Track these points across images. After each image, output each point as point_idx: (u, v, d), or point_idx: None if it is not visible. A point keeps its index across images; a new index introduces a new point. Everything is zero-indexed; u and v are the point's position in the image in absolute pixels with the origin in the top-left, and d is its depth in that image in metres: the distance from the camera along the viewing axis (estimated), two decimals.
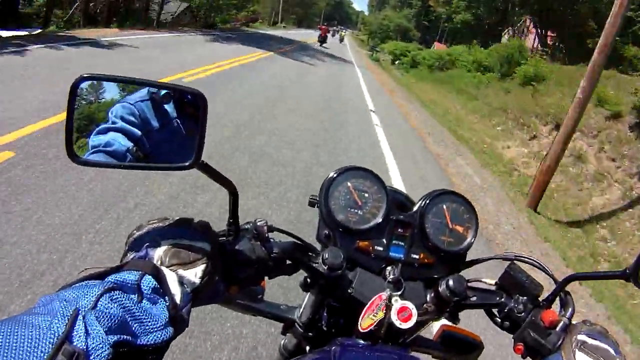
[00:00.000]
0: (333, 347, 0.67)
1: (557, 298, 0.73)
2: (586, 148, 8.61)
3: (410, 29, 48.18)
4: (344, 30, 51.67)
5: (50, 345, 0.36)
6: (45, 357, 0.35)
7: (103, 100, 0.57)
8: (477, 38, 29.97)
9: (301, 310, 0.83)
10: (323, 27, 32.38)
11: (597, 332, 0.67)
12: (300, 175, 4.51)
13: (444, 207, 0.81)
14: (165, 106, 0.61)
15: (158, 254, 0.57)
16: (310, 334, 0.81)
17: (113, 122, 0.57)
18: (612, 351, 0.63)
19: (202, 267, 0.58)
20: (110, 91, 0.58)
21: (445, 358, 0.86)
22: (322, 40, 29.04)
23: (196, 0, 23.23)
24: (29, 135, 3.87)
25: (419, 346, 0.82)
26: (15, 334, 0.35)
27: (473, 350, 0.84)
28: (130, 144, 0.58)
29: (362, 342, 0.70)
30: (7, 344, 0.34)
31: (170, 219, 0.63)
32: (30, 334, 0.36)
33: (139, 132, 0.59)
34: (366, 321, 0.67)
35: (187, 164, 0.56)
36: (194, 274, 0.57)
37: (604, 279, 0.72)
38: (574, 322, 0.70)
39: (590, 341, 0.65)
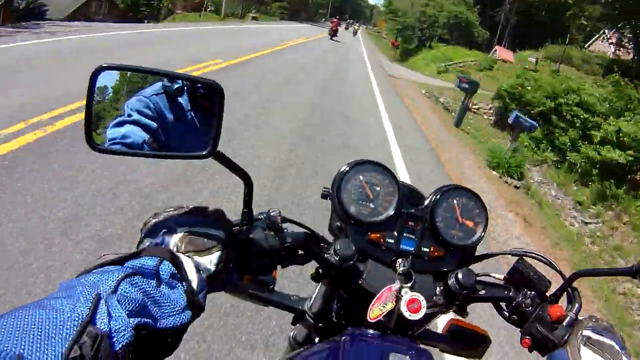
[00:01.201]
0: (343, 337, 0.68)
1: (565, 294, 0.74)
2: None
3: (474, 25, 30.95)
4: (357, 24, 49.63)
5: (75, 328, 0.37)
6: (69, 338, 0.36)
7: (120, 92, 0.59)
8: (548, 40, 25.01)
9: (312, 301, 0.84)
10: (334, 20, 30.24)
11: (602, 327, 0.67)
12: None
13: (454, 201, 0.81)
14: (179, 99, 0.63)
15: (174, 240, 0.58)
16: (320, 324, 0.82)
17: (129, 115, 0.59)
18: (616, 347, 0.64)
19: (217, 254, 0.60)
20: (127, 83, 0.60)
21: (453, 351, 0.87)
22: (333, 33, 28.11)
23: None
24: None
25: (427, 339, 0.83)
26: (41, 316, 0.36)
27: (480, 345, 0.85)
28: (146, 136, 0.59)
29: (371, 331, 0.71)
30: (33, 327, 0.35)
31: (186, 207, 0.64)
32: (55, 317, 0.37)
33: (154, 125, 0.60)
34: (375, 311, 0.68)
35: (204, 153, 0.58)
36: (209, 261, 0.59)
37: (610, 275, 0.73)
38: (580, 317, 0.70)
39: (595, 336, 0.65)
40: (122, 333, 0.40)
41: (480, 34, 31.13)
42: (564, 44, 24.16)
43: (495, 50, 25.35)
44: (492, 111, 14.34)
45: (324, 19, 71.00)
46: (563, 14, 25.95)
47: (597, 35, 28.46)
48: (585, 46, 28.02)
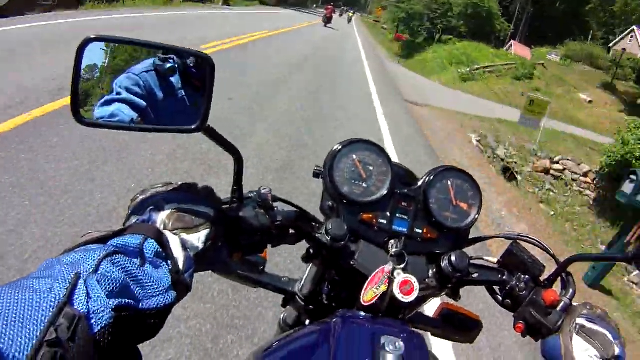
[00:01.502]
0: (334, 319, 0.67)
1: (559, 279, 0.74)
2: None
3: (497, 16, 25.29)
4: (351, 12, 48.30)
5: (51, 309, 0.35)
6: (46, 320, 0.35)
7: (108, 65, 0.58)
8: (567, 37, 21.80)
9: (302, 282, 0.83)
10: (329, 7, 29.56)
11: (596, 315, 0.67)
12: None
13: (449, 183, 0.81)
14: (171, 78, 0.62)
15: (161, 217, 0.57)
16: (311, 306, 0.82)
17: (118, 93, 0.57)
18: (610, 336, 0.64)
19: (206, 232, 0.59)
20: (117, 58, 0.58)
21: (445, 335, 0.87)
22: (327, 20, 27.61)
23: None
24: None
25: (418, 322, 0.83)
26: (16, 298, 0.35)
27: (472, 330, 0.85)
28: (135, 115, 0.58)
29: (362, 314, 0.71)
30: (7, 309, 0.34)
31: (174, 183, 0.63)
32: (31, 297, 0.36)
33: (144, 103, 0.59)
34: (369, 294, 0.68)
35: (193, 127, 0.57)
36: (197, 238, 0.58)
37: (605, 261, 0.73)
38: (574, 303, 0.70)
39: (588, 325, 0.65)
40: (101, 314, 0.38)
41: (502, 28, 25.97)
42: (585, 40, 22.12)
43: (511, 46, 22.65)
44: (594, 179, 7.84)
45: (315, 5, 66.34)
46: (582, 6, 23.54)
47: (625, 33, 25.14)
48: (610, 45, 25.10)
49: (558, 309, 0.69)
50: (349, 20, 39.75)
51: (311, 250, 0.75)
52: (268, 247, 0.73)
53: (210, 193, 0.65)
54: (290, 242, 0.74)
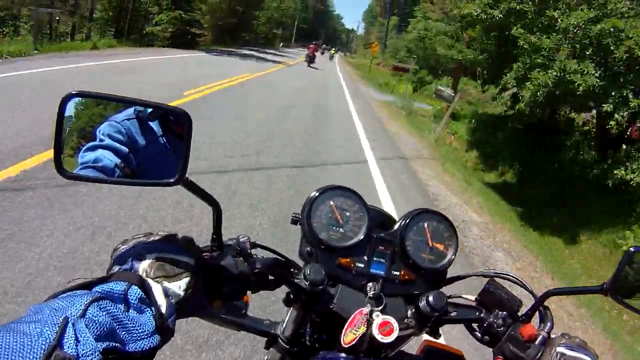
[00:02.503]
0: None
1: (537, 313, 0.76)
2: None
3: None
4: (333, 49, 48.10)
5: (42, 352, 0.36)
6: None
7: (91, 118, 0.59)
8: None
9: (284, 325, 0.83)
10: (311, 46, 28.03)
11: (575, 344, 0.68)
12: None
13: (425, 225, 0.82)
14: (151, 124, 0.63)
15: (143, 266, 0.58)
16: (293, 348, 0.81)
17: (101, 140, 0.59)
18: None
19: (186, 280, 0.60)
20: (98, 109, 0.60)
21: None
22: (310, 60, 26.44)
23: None
24: None
25: None
26: (8, 341, 0.36)
27: None
28: (118, 160, 0.59)
29: (344, 355, 0.71)
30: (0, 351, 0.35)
31: (155, 234, 0.64)
32: (22, 341, 0.37)
33: (126, 149, 0.60)
34: (348, 336, 0.68)
35: (172, 180, 0.58)
36: (178, 286, 0.59)
37: (581, 294, 0.75)
38: (552, 335, 0.72)
39: (569, 352, 0.66)
40: (90, 357, 0.39)
41: None
42: None
43: None
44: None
45: (282, 44, 53.35)
46: None
47: None
48: None
49: (536, 342, 0.70)
50: (331, 58, 40.05)
51: (291, 295, 0.76)
52: (248, 292, 0.74)
53: (190, 242, 0.66)
54: (270, 288, 0.75)
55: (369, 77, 26.47)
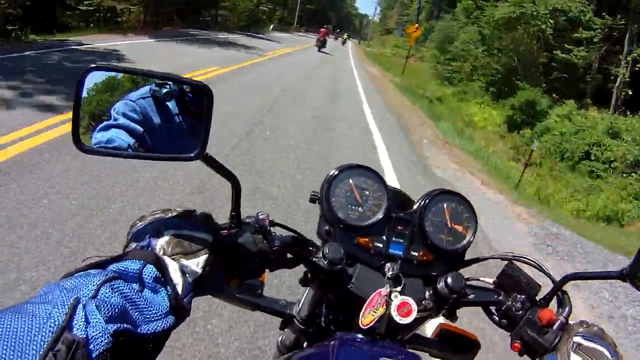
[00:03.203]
0: (332, 342, 0.67)
1: (555, 297, 0.75)
2: None
3: None
4: (346, 34, 45.52)
5: (50, 334, 0.36)
6: (44, 345, 0.35)
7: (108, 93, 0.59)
8: None
9: (300, 305, 0.83)
10: (322, 30, 26.92)
11: (593, 333, 0.67)
12: None
13: (444, 206, 0.81)
14: (167, 103, 0.63)
15: (160, 243, 0.58)
16: (308, 329, 0.81)
17: (115, 119, 0.58)
18: (607, 354, 0.64)
19: (204, 257, 0.59)
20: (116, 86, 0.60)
21: (442, 356, 0.87)
22: (321, 44, 25.63)
23: None
24: None
25: (416, 343, 0.83)
26: (16, 323, 0.36)
27: (470, 350, 0.85)
28: (132, 140, 0.59)
29: (360, 336, 0.71)
30: (7, 333, 0.34)
31: (173, 210, 0.64)
32: (30, 322, 0.36)
33: (140, 129, 0.60)
34: (367, 317, 0.68)
35: (192, 155, 0.58)
36: (196, 263, 0.58)
37: (600, 279, 0.73)
38: (571, 322, 0.71)
39: (585, 343, 0.65)
40: (100, 339, 0.39)
41: None
42: None
43: None
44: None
45: (272, 27, 39.12)
46: None
47: None
48: None
49: (554, 327, 0.70)
50: (343, 43, 39.14)
51: (308, 274, 0.76)
52: (266, 271, 0.74)
53: (208, 219, 0.65)
54: (288, 266, 0.74)
55: (410, 89, 14.31)
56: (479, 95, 13.03)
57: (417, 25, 19.35)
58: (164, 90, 0.62)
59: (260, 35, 26.75)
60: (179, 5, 21.30)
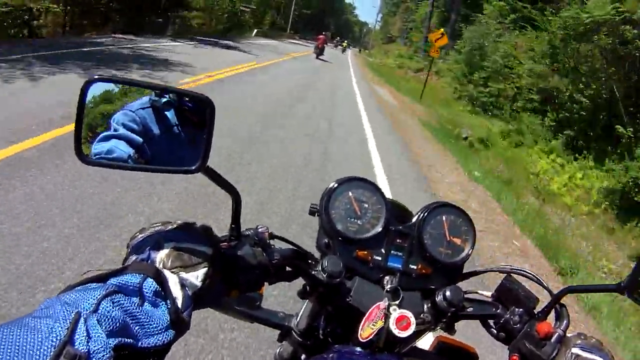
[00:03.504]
0: (330, 355, 0.67)
1: (553, 310, 0.74)
2: None
3: None
4: (345, 42, 44.96)
5: (52, 349, 0.36)
6: None
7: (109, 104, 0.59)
8: None
9: (298, 318, 0.83)
10: (321, 37, 25.16)
11: (591, 345, 0.67)
12: None
13: (443, 219, 0.81)
14: (167, 113, 0.63)
15: (160, 256, 0.57)
16: (307, 342, 0.81)
17: (115, 130, 0.59)
18: None
19: (204, 270, 0.59)
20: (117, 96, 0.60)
21: None
22: (319, 52, 24.42)
23: None
24: None
25: (415, 356, 0.82)
26: (18, 337, 0.36)
27: None
28: (131, 151, 0.59)
29: (359, 349, 0.70)
30: (8, 348, 0.34)
31: (173, 222, 0.64)
32: (32, 337, 0.36)
33: (140, 139, 0.60)
34: (366, 330, 0.68)
35: (193, 167, 0.58)
36: (196, 276, 0.58)
37: (598, 292, 0.74)
38: (569, 334, 0.71)
39: (584, 354, 0.65)
40: (101, 354, 0.39)
41: None
42: None
43: None
44: None
45: (255, 32, 31.07)
46: None
47: None
48: None
49: (552, 340, 0.69)
50: (343, 50, 39.03)
51: (307, 287, 0.76)
52: (265, 284, 0.73)
53: (208, 231, 0.65)
54: (287, 279, 0.74)
55: (443, 127, 10.33)
56: (542, 137, 8.44)
57: (442, 30, 14.49)
58: (163, 100, 0.62)
59: (230, 43, 19.78)
60: (117, 4, 16.06)
